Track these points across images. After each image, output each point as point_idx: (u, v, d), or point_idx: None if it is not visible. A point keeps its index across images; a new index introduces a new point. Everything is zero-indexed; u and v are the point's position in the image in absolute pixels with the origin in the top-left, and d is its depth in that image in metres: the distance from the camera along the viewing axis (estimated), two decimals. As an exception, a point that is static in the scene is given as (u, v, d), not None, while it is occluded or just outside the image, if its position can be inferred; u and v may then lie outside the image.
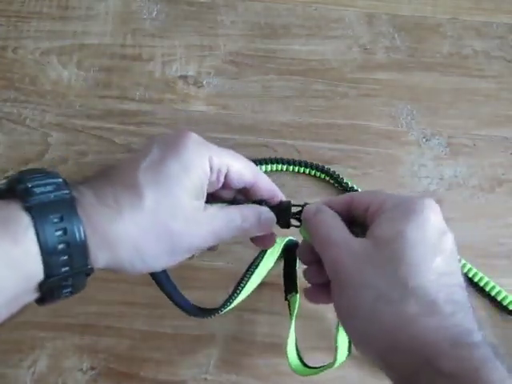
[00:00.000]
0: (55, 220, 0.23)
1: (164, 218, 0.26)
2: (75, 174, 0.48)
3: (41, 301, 0.25)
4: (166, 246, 0.27)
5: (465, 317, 0.26)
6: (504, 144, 0.52)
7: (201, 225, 0.28)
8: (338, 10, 0.58)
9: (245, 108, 0.52)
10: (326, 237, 0.29)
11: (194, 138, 0.28)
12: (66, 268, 0.24)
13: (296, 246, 0.41)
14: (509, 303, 0.43)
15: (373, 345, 0.26)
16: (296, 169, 0.48)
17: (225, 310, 0.38)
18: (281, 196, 0.34)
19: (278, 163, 0.48)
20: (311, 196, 0.48)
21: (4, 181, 0.26)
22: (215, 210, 0.29)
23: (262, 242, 0.34)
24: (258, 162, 0.48)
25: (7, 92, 0.52)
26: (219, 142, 0.50)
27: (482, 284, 0.44)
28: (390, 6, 0.58)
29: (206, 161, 0.28)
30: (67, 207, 0.24)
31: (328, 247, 0.28)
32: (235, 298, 0.38)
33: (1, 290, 0.23)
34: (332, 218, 0.30)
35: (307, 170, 0.48)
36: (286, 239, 0.41)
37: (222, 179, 0.30)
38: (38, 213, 0.23)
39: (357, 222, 0.30)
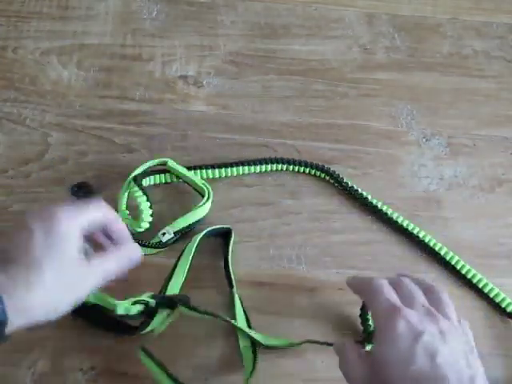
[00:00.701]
0: None
1: (63, 281, 0.32)
2: (75, 174, 0.48)
3: None
4: (71, 298, 0.33)
5: None
6: (504, 144, 0.52)
7: (91, 276, 0.34)
8: (338, 10, 0.58)
9: (245, 108, 0.52)
10: (345, 366, 0.34)
11: (63, 214, 0.33)
12: None
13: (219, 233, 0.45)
14: (507, 305, 0.43)
15: None
16: (296, 168, 0.48)
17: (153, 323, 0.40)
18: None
19: (278, 163, 0.48)
20: (311, 195, 0.48)
21: None
22: (96, 262, 0.34)
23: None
24: (258, 162, 0.48)
25: (7, 92, 0.52)
26: (219, 142, 0.50)
27: (480, 285, 0.44)
28: (390, 6, 0.58)
29: (78, 226, 0.33)
30: None
31: (345, 372, 0.34)
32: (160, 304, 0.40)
33: None
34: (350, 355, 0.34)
35: (307, 170, 0.48)
36: (204, 231, 0.44)
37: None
38: None
39: None
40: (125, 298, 0.38)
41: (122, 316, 0.39)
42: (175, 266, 0.43)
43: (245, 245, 0.45)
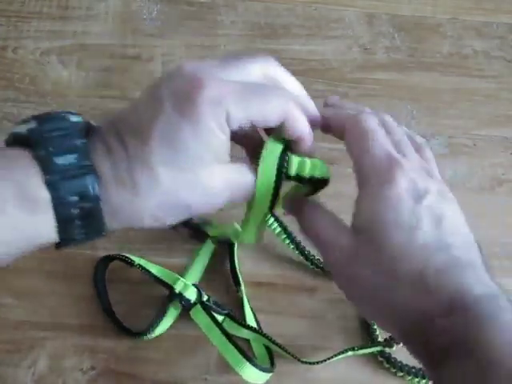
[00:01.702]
0: (75, 198, 0.24)
1: (181, 194, 0.25)
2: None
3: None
4: (182, 214, 0.27)
5: (459, 279, 0.25)
6: (504, 144, 0.52)
7: (218, 196, 0.27)
8: (338, 10, 0.58)
9: (245, 108, 0.52)
10: (315, 238, 0.29)
11: (208, 95, 0.24)
12: (83, 236, 0.25)
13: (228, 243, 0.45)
14: None
15: (382, 323, 0.28)
16: None
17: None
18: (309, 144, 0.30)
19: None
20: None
21: (22, 123, 0.25)
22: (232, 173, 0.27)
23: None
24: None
25: (7, 92, 0.52)
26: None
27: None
28: (390, 6, 0.58)
29: (223, 123, 0.25)
30: (85, 184, 0.24)
31: (319, 246, 0.29)
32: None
33: (9, 250, 0.24)
34: (321, 215, 0.30)
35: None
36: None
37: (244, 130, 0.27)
38: (57, 190, 0.23)
39: None
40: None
41: (175, 294, 0.40)
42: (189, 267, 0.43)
43: (245, 245, 0.45)
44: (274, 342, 0.40)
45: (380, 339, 0.41)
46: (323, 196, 0.48)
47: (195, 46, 0.56)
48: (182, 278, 0.41)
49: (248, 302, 0.43)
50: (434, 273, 0.25)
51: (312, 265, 0.44)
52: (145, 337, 0.41)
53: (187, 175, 0.25)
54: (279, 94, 0.27)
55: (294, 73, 0.54)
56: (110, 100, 0.52)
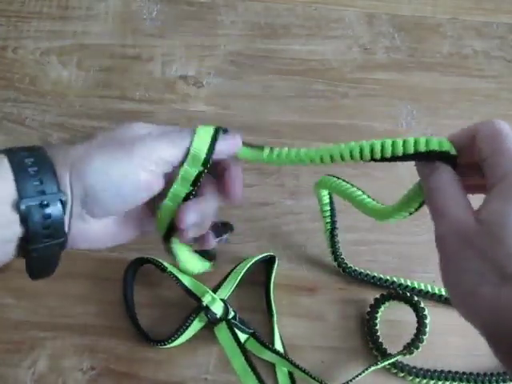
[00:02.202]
0: (35, 183, 0.26)
1: (115, 132, 0.30)
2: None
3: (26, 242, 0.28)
4: (119, 155, 0.29)
5: None
6: (504, 144, 0.52)
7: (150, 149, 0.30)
8: (338, 10, 0.58)
9: (245, 108, 0.52)
10: (438, 209, 0.29)
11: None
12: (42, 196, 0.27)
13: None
14: None
15: (474, 317, 0.27)
16: None
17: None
18: None
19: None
20: (311, 195, 0.48)
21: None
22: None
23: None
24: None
25: (7, 92, 0.52)
26: (219, 142, 0.50)
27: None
28: (390, 6, 0.58)
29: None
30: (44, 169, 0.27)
31: (438, 220, 0.28)
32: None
33: None
34: (449, 183, 0.29)
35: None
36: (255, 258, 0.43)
37: None
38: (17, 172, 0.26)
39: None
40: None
41: (202, 307, 0.40)
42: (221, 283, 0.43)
43: (245, 245, 0.45)
44: (298, 367, 0.39)
45: (381, 339, 0.41)
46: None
47: (195, 46, 0.56)
48: (210, 291, 0.41)
49: (279, 332, 0.42)
50: None
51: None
52: (163, 345, 0.41)
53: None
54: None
55: (294, 73, 0.55)
56: (109, 100, 0.52)
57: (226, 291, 0.42)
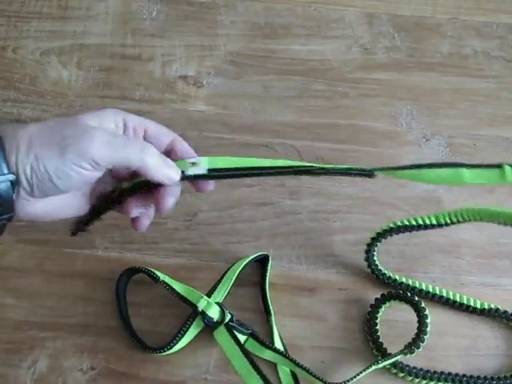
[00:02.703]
0: None
1: (60, 125, 0.30)
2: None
3: None
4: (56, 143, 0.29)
5: None
6: (504, 144, 0.52)
7: (92, 139, 0.29)
8: (338, 10, 0.58)
9: (245, 108, 0.52)
10: None
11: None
12: None
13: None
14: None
15: None
16: None
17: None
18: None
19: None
20: (311, 195, 0.48)
21: None
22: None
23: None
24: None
25: (7, 92, 0.52)
26: (219, 142, 0.50)
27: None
28: (390, 6, 0.58)
29: (120, 119, 0.32)
30: None
31: None
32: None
33: None
34: None
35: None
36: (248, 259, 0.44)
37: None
38: None
39: None
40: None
41: (198, 313, 0.40)
42: (217, 283, 0.43)
43: (244, 245, 0.45)
44: (298, 365, 0.39)
45: (381, 339, 0.41)
46: (323, 195, 0.49)
47: (195, 46, 0.56)
48: (205, 297, 0.41)
49: (278, 331, 0.42)
50: None
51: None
52: (160, 352, 0.41)
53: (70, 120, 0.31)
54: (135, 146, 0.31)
55: (294, 73, 0.55)
56: (110, 100, 0.52)
57: (220, 294, 0.42)
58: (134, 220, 0.35)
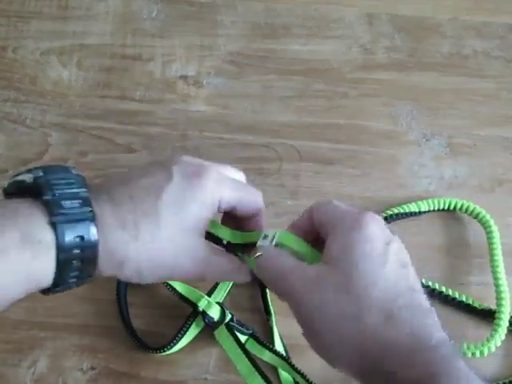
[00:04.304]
0: (76, 240, 0.25)
1: (171, 253, 0.28)
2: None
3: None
4: (164, 274, 0.29)
5: (423, 320, 0.26)
6: (504, 144, 0.52)
7: (203, 265, 0.30)
8: (338, 10, 0.58)
9: (245, 108, 0.52)
10: (277, 271, 0.30)
11: (213, 177, 0.30)
12: (74, 280, 0.26)
13: None
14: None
15: (341, 359, 0.28)
16: None
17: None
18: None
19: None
20: (311, 195, 0.48)
21: (26, 172, 0.26)
22: (217, 259, 0.31)
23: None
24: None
25: (7, 92, 0.52)
26: (219, 142, 0.50)
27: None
28: (390, 6, 0.58)
29: (217, 201, 0.30)
30: (88, 228, 0.25)
31: (281, 279, 0.29)
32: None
33: (7, 293, 0.24)
34: (279, 254, 0.31)
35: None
36: None
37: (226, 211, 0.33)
38: (62, 232, 0.25)
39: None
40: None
41: (198, 313, 0.40)
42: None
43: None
44: (296, 370, 0.39)
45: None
46: (323, 196, 0.49)
47: (195, 46, 0.56)
48: (205, 296, 0.41)
49: (278, 331, 0.42)
50: (402, 306, 0.26)
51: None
52: (161, 352, 0.41)
53: (183, 237, 0.29)
54: (255, 192, 0.33)
55: (294, 73, 0.55)
56: (110, 100, 0.52)
57: (221, 294, 0.42)
58: None
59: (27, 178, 0.26)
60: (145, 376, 0.41)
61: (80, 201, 0.26)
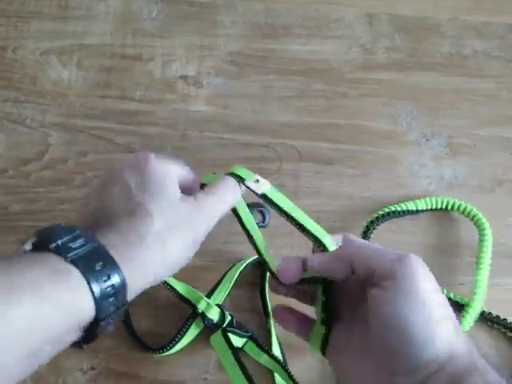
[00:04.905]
0: (98, 268, 0.25)
1: (175, 224, 0.29)
2: (75, 174, 0.48)
3: (80, 342, 0.27)
4: (187, 242, 0.30)
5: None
6: (504, 144, 0.52)
7: (202, 213, 0.32)
8: (338, 10, 0.58)
9: (245, 108, 0.52)
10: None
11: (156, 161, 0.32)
12: (113, 308, 0.26)
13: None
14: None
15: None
16: None
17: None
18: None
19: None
20: (311, 195, 0.48)
21: (28, 241, 0.27)
22: (202, 197, 0.32)
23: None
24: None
25: (7, 92, 0.52)
26: (219, 142, 0.50)
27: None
28: (390, 6, 0.58)
29: (173, 172, 0.33)
30: (104, 254, 0.26)
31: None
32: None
33: (52, 330, 0.24)
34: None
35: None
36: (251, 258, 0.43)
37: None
38: (82, 264, 0.25)
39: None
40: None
41: (197, 314, 0.40)
42: (219, 282, 0.43)
43: (245, 245, 0.45)
44: (291, 378, 0.38)
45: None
46: (323, 195, 0.49)
47: (195, 46, 0.56)
48: (205, 298, 0.41)
49: (276, 333, 0.42)
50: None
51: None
52: (160, 353, 0.41)
53: (168, 203, 0.30)
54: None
55: (294, 73, 0.55)
56: (110, 100, 0.52)
57: (220, 295, 0.42)
58: None
59: (30, 243, 0.26)
60: (144, 376, 0.41)
61: (82, 240, 0.26)
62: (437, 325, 0.26)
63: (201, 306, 0.40)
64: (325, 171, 0.50)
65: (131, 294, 0.28)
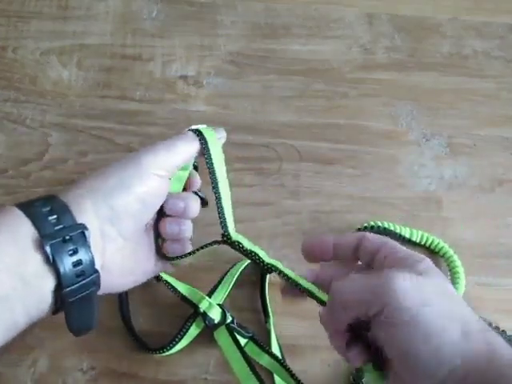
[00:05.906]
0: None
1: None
2: (75, 174, 0.48)
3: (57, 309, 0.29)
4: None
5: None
6: (504, 144, 0.52)
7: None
8: (338, 10, 0.58)
9: (245, 108, 0.52)
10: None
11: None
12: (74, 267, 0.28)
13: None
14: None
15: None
16: None
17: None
18: None
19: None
20: (311, 195, 0.48)
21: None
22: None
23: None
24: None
25: (7, 92, 0.52)
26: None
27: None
28: (390, 6, 0.58)
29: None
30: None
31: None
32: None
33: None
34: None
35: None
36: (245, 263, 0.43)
37: None
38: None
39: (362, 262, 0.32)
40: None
41: (199, 314, 0.40)
42: (220, 281, 0.43)
43: (245, 245, 0.45)
44: (293, 376, 0.38)
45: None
46: (323, 195, 0.49)
47: (195, 46, 0.56)
48: (207, 298, 0.41)
49: (276, 334, 0.42)
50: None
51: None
52: (160, 353, 0.41)
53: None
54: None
55: (294, 73, 0.55)
56: (110, 100, 0.52)
57: (221, 295, 0.42)
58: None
59: None
60: (144, 376, 0.41)
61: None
62: (438, 340, 0.26)
63: (202, 306, 0.40)
64: (325, 171, 0.50)
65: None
